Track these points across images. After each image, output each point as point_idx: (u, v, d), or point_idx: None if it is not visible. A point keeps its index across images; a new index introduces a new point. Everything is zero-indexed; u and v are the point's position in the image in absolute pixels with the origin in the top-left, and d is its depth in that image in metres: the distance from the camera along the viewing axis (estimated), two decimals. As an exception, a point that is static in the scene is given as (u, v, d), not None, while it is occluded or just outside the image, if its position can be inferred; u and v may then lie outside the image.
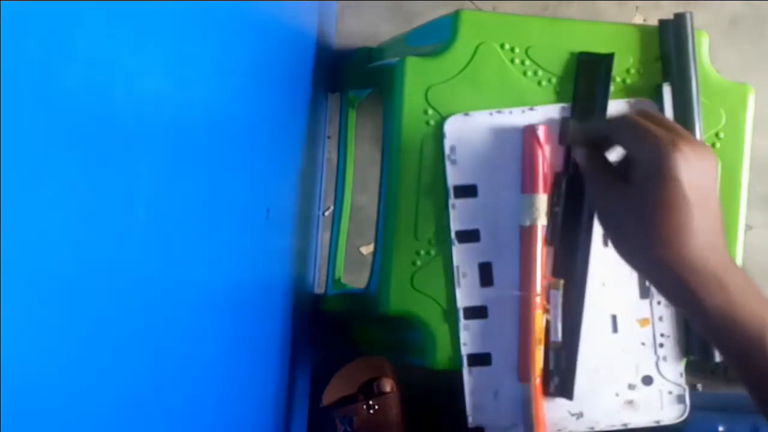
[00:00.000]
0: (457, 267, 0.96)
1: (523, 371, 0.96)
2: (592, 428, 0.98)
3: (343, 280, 1.24)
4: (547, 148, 0.95)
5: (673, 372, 0.98)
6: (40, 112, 0.36)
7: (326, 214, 1.34)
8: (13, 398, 0.36)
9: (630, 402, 0.98)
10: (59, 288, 0.42)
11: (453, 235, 0.96)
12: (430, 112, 0.95)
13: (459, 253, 0.96)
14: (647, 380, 0.98)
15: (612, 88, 0.97)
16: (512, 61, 0.97)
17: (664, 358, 0.98)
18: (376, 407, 1.19)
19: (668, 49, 0.97)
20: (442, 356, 0.97)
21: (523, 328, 0.96)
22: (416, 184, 0.96)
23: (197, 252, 0.66)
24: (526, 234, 0.95)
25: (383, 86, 1.01)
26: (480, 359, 0.97)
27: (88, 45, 0.42)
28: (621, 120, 0.77)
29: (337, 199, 1.26)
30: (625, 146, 0.77)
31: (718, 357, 0.97)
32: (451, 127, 0.95)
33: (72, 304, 0.44)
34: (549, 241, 0.96)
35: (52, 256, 0.41)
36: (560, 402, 0.97)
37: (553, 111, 0.97)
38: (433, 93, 0.95)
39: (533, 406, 0.95)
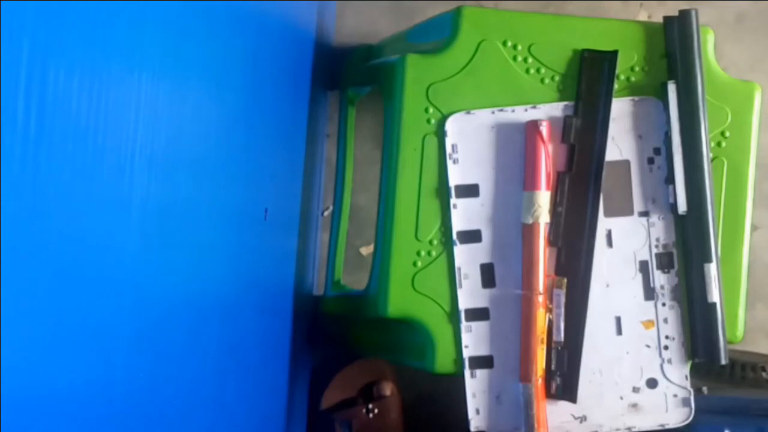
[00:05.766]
0: (459, 268, 0.95)
1: (524, 371, 0.95)
2: (596, 432, 0.97)
3: (342, 282, 1.23)
4: (550, 147, 0.95)
5: (678, 375, 0.97)
6: (36, 111, 0.34)
7: (325, 214, 1.33)
8: (12, 399, 0.35)
9: (634, 405, 0.97)
10: (56, 289, 0.40)
11: (454, 235, 0.95)
12: (431, 110, 0.95)
13: (460, 253, 0.95)
14: (652, 383, 0.97)
15: (616, 86, 0.96)
16: (515, 58, 0.96)
17: (669, 361, 0.97)
18: (376, 411, 1.17)
19: (673, 46, 0.97)
20: (442, 359, 0.96)
21: (525, 326, 0.95)
22: (417, 184, 0.95)
23: (192, 253, 0.65)
24: (528, 232, 0.94)
25: (383, 84, 1.01)
26: (482, 362, 0.96)
27: (83, 43, 0.40)
28: None
29: (337, 198, 1.25)
30: None
31: (723, 359, 0.96)
32: (452, 125, 0.94)
33: (69, 305, 0.43)
34: (552, 241, 0.95)
35: (48, 258, 0.39)
36: (563, 405, 0.96)
37: (556, 109, 0.96)
38: (434, 91, 0.94)
39: (534, 406, 0.94)
